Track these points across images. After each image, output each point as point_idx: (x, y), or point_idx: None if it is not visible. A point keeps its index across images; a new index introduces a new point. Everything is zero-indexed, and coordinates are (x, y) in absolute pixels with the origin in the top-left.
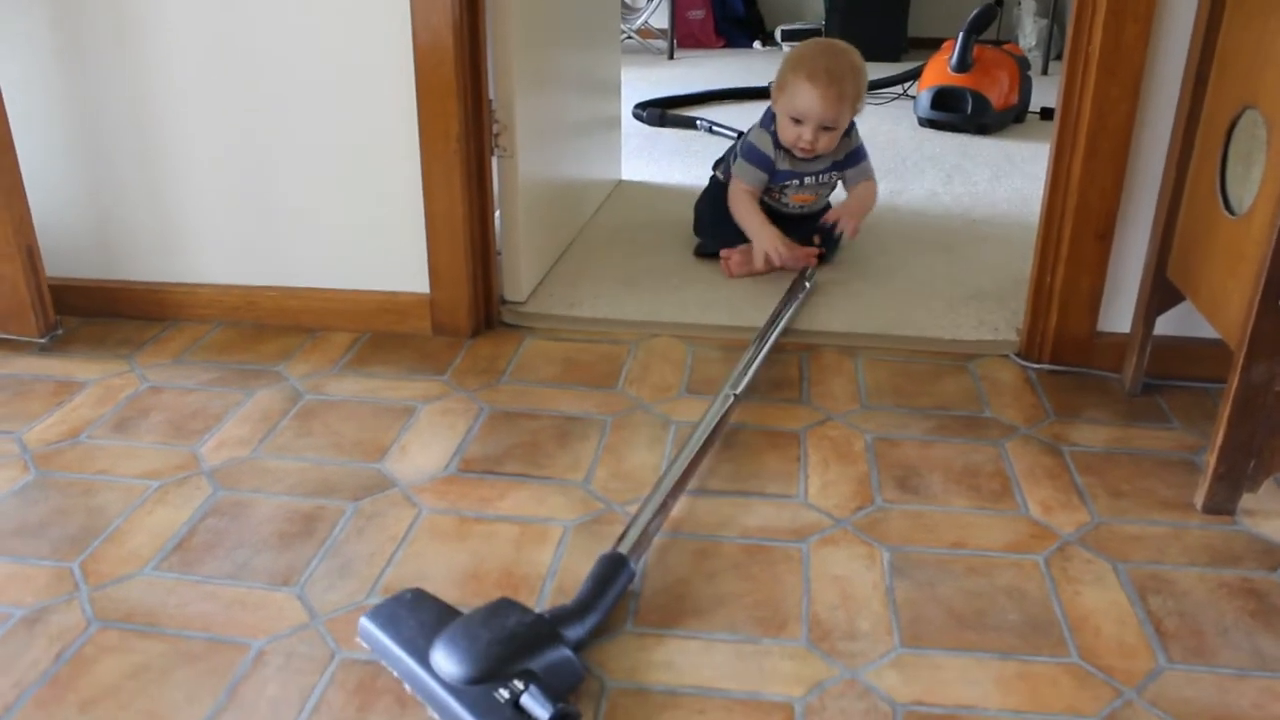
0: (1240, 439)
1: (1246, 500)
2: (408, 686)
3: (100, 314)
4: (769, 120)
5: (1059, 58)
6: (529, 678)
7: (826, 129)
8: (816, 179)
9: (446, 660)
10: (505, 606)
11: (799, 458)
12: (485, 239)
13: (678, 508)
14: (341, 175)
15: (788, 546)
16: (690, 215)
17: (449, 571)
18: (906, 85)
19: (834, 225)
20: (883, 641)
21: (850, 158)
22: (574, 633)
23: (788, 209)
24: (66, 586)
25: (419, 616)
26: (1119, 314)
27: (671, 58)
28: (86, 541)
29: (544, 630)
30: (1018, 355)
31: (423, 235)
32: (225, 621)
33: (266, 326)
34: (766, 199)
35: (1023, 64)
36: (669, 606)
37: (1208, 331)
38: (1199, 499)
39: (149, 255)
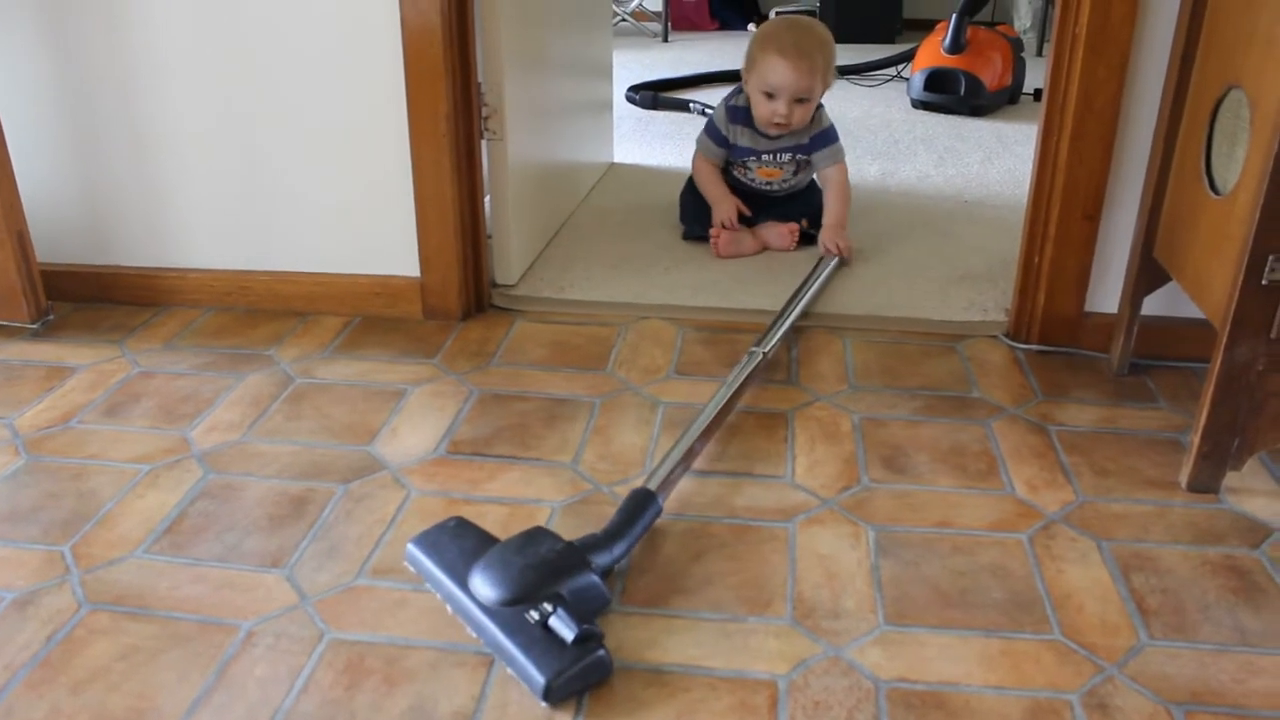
0: (1224, 418)
1: (1230, 478)
2: (449, 607)
3: (91, 299)
4: (731, 97)
5: None
6: (557, 601)
7: (800, 101)
8: (775, 157)
9: (483, 584)
10: (538, 535)
11: (786, 438)
12: (475, 222)
13: None
14: (331, 159)
15: (774, 526)
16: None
17: None
18: (900, 67)
19: (829, 252)
20: (867, 620)
21: (817, 140)
22: (602, 560)
23: (756, 184)
24: (58, 570)
25: (460, 543)
26: (1107, 294)
27: (666, 40)
28: (78, 525)
29: (573, 557)
30: (1006, 336)
31: (413, 219)
32: (215, 603)
33: (257, 311)
34: (736, 174)
35: (1016, 45)
36: (655, 586)
37: (1194, 312)
38: (1184, 477)
39: (140, 240)
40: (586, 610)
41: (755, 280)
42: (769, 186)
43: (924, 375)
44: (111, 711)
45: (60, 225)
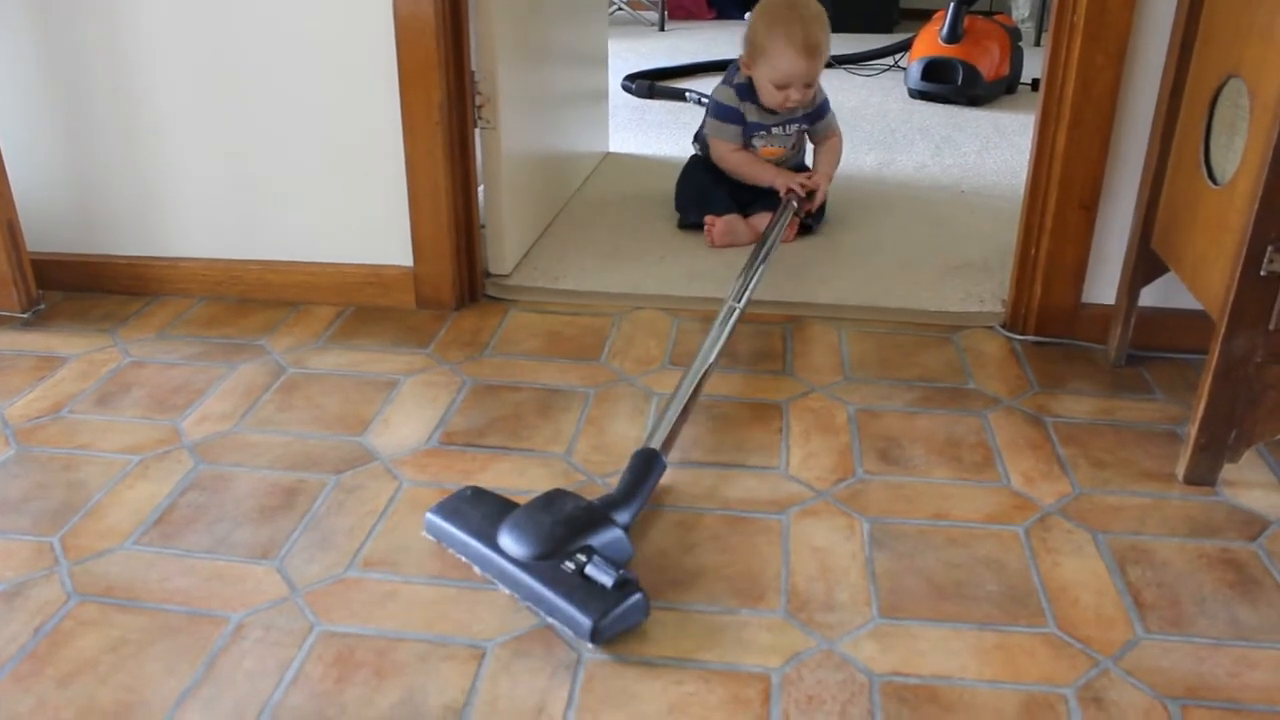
0: (1221, 410)
1: (1227, 471)
2: (477, 569)
3: (83, 289)
4: (733, 75)
5: None
6: (589, 552)
7: (809, 85)
8: (784, 129)
9: (514, 542)
10: (560, 495)
11: (781, 429)
12: (469, 212)
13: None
14: (324, 148)
15: (768, 518)
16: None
17: (428, 544)
18: (898, 56)
19: (810, 197)
20: (861, 612)
21: (816, 110)
22: (622, 516)
23: (758, 157)
24: (46, 561)
25: (481, 508)
26: (1104, 285)
27: (662, 29)
28: (67, 516)
29: (597, 513)
30: (1003, 326)
31: (406, 208)
32: (205, 595)
33: (250, 300)
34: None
35: (1014, 35)
36: (648, 578)
37: (1192, 303)
38: (1180, 470)
39: (131, 230)
40: (615, 562)
41: None
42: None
43: (920, 366)
44: (99, 704)
45: (51, 214)
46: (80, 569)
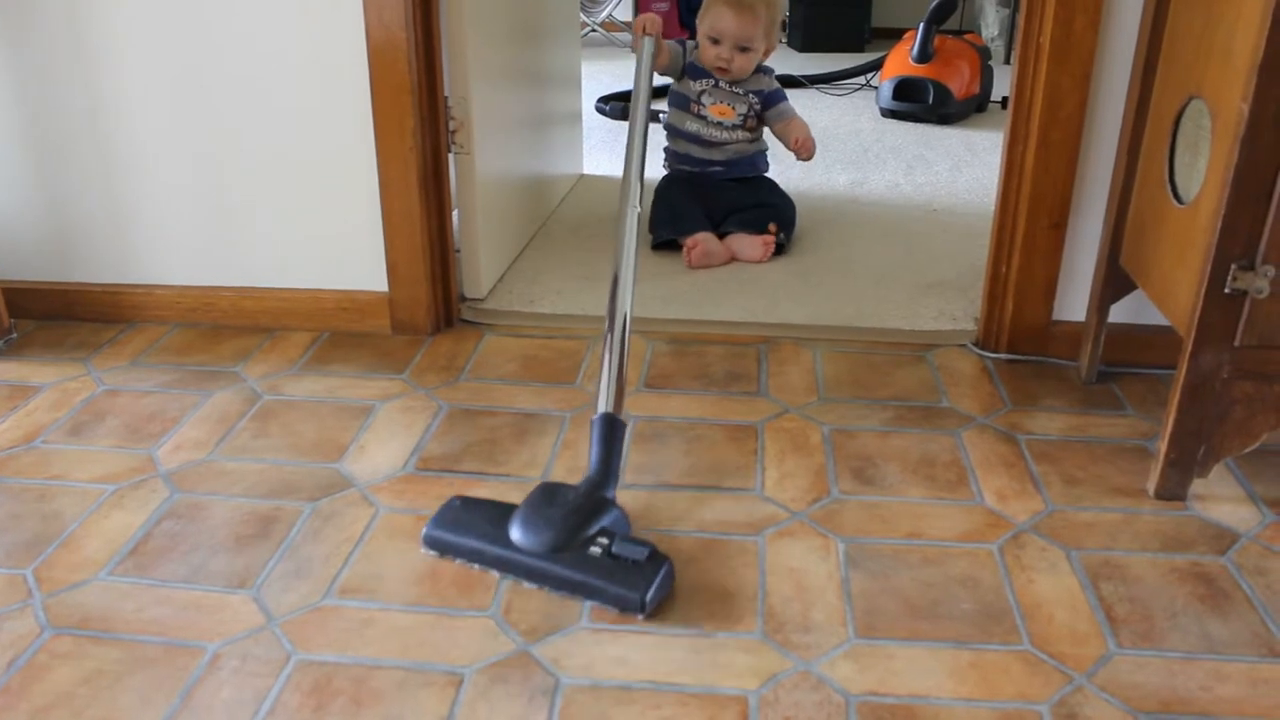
0: (1190, 425)
1: (1197, 485)
2: (495, 572)
3: (56, 317)
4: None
5: None
6: (608, 534)
7: (743, 49)
8: (731, 88)
9: (532, 538)
10: (552, 487)
11: (756, 451)
12: (443, 237)
13: (634, 500)
14: (297, 174)
15: (744, 540)
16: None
17: (405, 570)
18: (869, 76)
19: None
20: (837, 633)
21: (770, 97)
22: (611, 493)
23: (708, 123)
24: (20, 594)
25: (479, 514)
26: (1074, 302)
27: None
28: (40, 548)
29: (595, 496)
30: (975, 345)
31: (380, 234)
32: (181, 625)
33: (224, 327)
34: (688, 113)
35: (984, 54)
36: None
37: (1160, 319)
38: (1151, 485)
39: (104, 257)
40: (631, 538)
41: (724, 292)
42: (719, 126)
43: (894, 385)
44: None
45: (24, 242)
46: (54, 601)
